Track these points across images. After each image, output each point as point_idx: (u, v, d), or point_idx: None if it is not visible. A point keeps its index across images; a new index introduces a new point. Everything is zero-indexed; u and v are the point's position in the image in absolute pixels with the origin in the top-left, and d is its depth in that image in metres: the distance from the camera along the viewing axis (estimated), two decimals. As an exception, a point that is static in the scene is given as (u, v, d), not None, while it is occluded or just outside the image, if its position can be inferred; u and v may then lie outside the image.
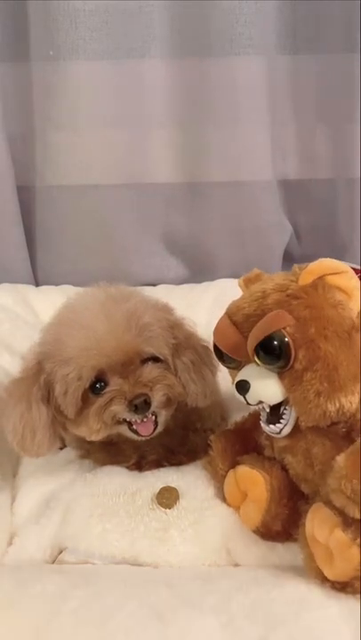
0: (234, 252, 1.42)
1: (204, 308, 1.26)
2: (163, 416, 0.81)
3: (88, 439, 0.81)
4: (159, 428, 0.81)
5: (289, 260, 1.46)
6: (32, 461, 0.94)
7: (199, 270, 1.46)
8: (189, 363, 0.85)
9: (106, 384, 0.78)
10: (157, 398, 0.78)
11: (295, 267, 0.73)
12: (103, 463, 0.88)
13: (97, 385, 0.78)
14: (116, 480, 0.83)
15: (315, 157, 1.42)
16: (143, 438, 0.80)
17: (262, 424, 0.74)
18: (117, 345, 0.77)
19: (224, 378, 1.00)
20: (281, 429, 0.72)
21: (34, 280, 1.44)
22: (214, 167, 1.37)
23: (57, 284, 1.36)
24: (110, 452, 0.88)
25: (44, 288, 1.39)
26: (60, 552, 0.78)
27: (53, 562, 0.78)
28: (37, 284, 1.43)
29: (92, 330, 0.77)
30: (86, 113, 1.32)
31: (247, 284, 0.78)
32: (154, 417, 0.80)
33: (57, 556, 0.78)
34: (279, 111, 1.37)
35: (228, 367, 0.77)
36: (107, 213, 1.40)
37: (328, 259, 0.71)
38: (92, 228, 1.40)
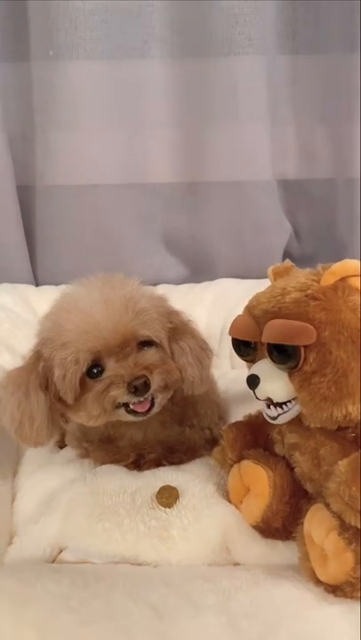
0: (234, 252, 1.43)
1: (204, 307, 1.26)
2: (159, 398, 0.81)
3: (87, 424, 0.82)
4: (156, 408, 0.81)
5: (289, 259, 1.46)
6: (32, 461, 0.94)
7: (199, 270, 1.46)
8: (186, 347, 0.85)
9: (103, 368, 0.78)
10: (156, 381, 0.78)
11: (319, 266, 0.72)
12: (102, 462, 0.88)
13: (94, 370, 0.78)
14: (115, 479, 0.83)
15: (315, 157, 1.42)
16: (141, 417, 0.80)
17: (263, 407, 0.73)
18: (114, 328, 0.77)
19: (221, 379, 1.00)
20: (278, 415, 0.71)
21: (34, 280, 1.44)
22: (214, 167, 1.37)
23: (57, 284, 1.35)
24: (109, 450, 0.89)
25: (43, 288, 1.39)
26: (61, 551, 0.78)
27: (53, 561, 0.78)
28: (37, 284, 1.43)
29: (90, 314, 0.78)
30: (86, 113, 1.32)
31: (276, 276, 0.77)
32: (151, 397, 0.80)
33: (57, 556, 0.78)
34: (279, 111, 1.37)
35: (244, 360, 0.76)
36: (107, 213, 1.40)
37: (353, 260, 0.69)
38: (92, 227, 1.40)
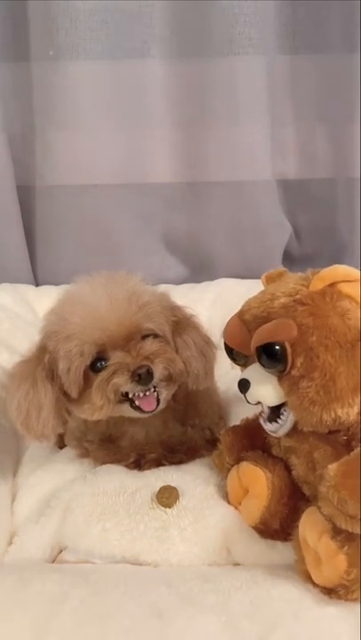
0: (233, 252, 1.43)
1: (204, 307, 1.26)
2: (164, 393, 0.81)
3: (91, 418, 0.82)
4: (161, 405, 0.81)
5: (289, 259, 1.47)
6: (32, 460, 0.94)
7: (199, 270, 1.46)
8: (190, 341, 0.86)
9: (107, 362, 0.78)
10: (159, 370, 0.78)
11: (309, 271, 0.72)
12: (103, 462, 0.88)
13: (98, 364, 0.78)
14: (115, 479, 0.83)
15: (314, 157, 1.42)
16: (146, 415, 0.80)
17: (262, 422, 0.74)
18: (118, 320, 0.78)
19: (222, 378, 1.00)
20: (278, 429, 0.72)
21: (34, 280, 1.44)
22: (214, 167, 1.37)
23: (57, 284, 1.36)
24: (110, 450, 0.89)
25: (43, 288, 1.39)
26: (60, 551, 0.79)
27: (53, 561, 0.78)
28: (37, 284, 1.43)
29: (95, 307, 0.79)
30: (86, 113, 1.32)
31: (268, 281, 0.77)
32: (156, 393, 0.80)
33: (57, 556, 0.79)
34: (279, 111, 1.37)
35: (237, 364, 0.77)
36: (107, 213, 1.40)
37: (342, 265, 0.70)
38: (91, 227, 1.40)
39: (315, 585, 0.64)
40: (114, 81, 1.30)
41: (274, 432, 0.73)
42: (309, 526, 0.65)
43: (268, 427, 0.73)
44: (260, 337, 0.69)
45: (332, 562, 0.62)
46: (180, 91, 1.32)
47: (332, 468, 0.63)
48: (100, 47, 1.27)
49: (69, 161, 1.35)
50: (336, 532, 0.62)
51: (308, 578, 0.65)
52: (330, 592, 0.63)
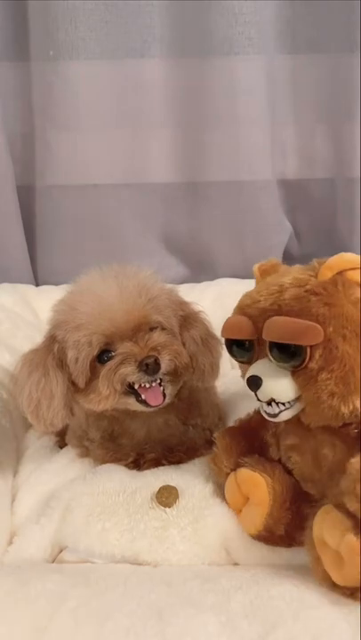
0: (233, 252, 1.43)
1: (204, 307, 1.26)
2: (169, 388, 0.82)
3: (97, 409, 0.81)
4: (167, 400, 0.81)
5: (289, 259, 1.47)
6: (32, 460, 0.94)
7: (199, 270, 1.47)
8: (197, 336, 0.86)
9: (114, 352, 0.79)
10: (166, 361, 0.79)
11: (314, 261, 0.70)
12: (102, 461, 0.88)
13: (104, 356, 0.79)
14: (115, 479, 0.83)
15: (314, 157, 1.42)
16: (152, 409, 0.80)
17: (262, 404, 0.70)
18: (128, 312, 0.79)
19: (221, 379, 1.00)
20: (280, 412, 0.69)
21: (34, 280, 1.44)
22: (214, 167, 1.37)
23: (57, 284, 1.36)
24: (110, 449, 0.89)
25: (43, 288, 1.39)
26: (60, 551, 0.79)
27: (53, 561, 0.78)
28: (37, 284, 1.43)
29: (104, 298, 0.79)
30: (86, 113, 1.32)
31: (263, 273, 0.75)
32: (162, 388, 0.80)
33: (57, 555, 0.78)
34: (279, 111, 1.37)
35: (239, 361, 0.75)
36: (107, 213, 1.40)
37: (348, 253, 0.68)
38: (92, 227, 1.41)
39: (335, 586, 0.62)
40: (114, 81, 1.30)
41: (274, 416, 0.69)
42: (328, 525, 0.62)
43: (269, 409, 0.69)
44: (281, 333, 0.66)
45: (356, 560, 0.59)
46: (180, 90, 1.32)
47: (356, 461, 0.61)
48: (100, 47, 1.27)
49: (69, 161, 1.36)
50: (359, 528, 0.60)
51: (325, 579, 0.63)
52: (353, 592, 0.61)
